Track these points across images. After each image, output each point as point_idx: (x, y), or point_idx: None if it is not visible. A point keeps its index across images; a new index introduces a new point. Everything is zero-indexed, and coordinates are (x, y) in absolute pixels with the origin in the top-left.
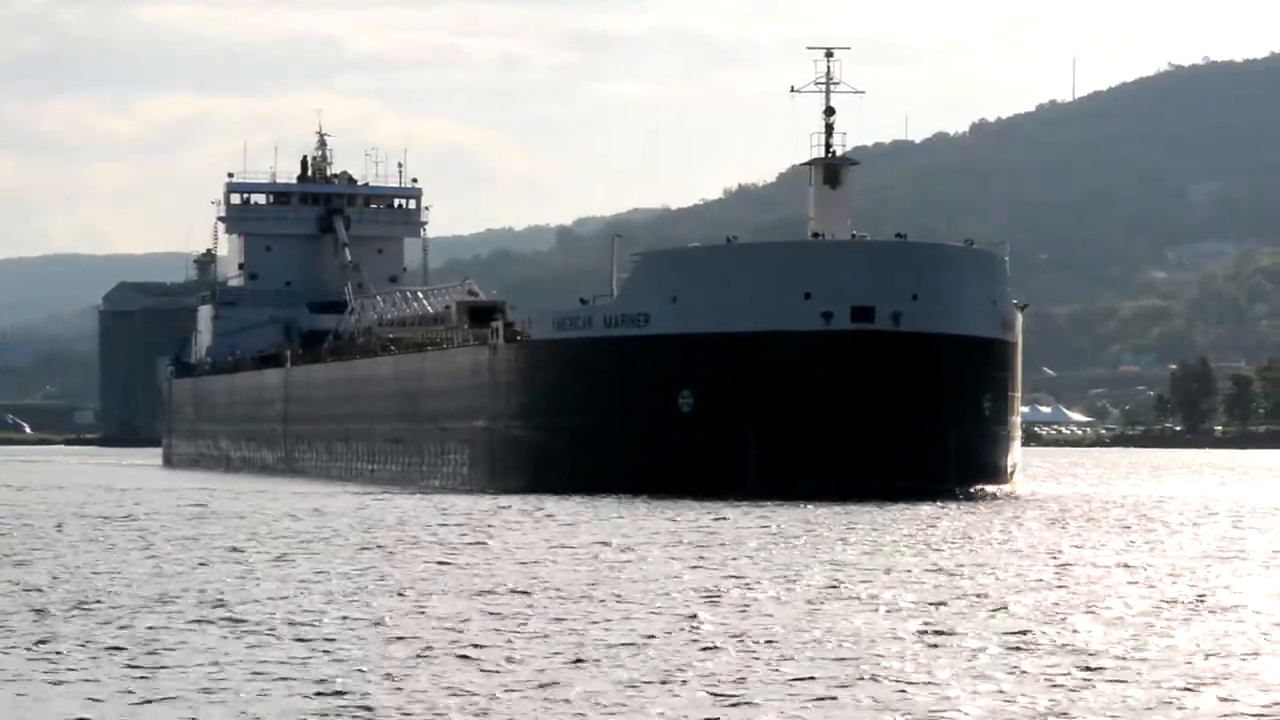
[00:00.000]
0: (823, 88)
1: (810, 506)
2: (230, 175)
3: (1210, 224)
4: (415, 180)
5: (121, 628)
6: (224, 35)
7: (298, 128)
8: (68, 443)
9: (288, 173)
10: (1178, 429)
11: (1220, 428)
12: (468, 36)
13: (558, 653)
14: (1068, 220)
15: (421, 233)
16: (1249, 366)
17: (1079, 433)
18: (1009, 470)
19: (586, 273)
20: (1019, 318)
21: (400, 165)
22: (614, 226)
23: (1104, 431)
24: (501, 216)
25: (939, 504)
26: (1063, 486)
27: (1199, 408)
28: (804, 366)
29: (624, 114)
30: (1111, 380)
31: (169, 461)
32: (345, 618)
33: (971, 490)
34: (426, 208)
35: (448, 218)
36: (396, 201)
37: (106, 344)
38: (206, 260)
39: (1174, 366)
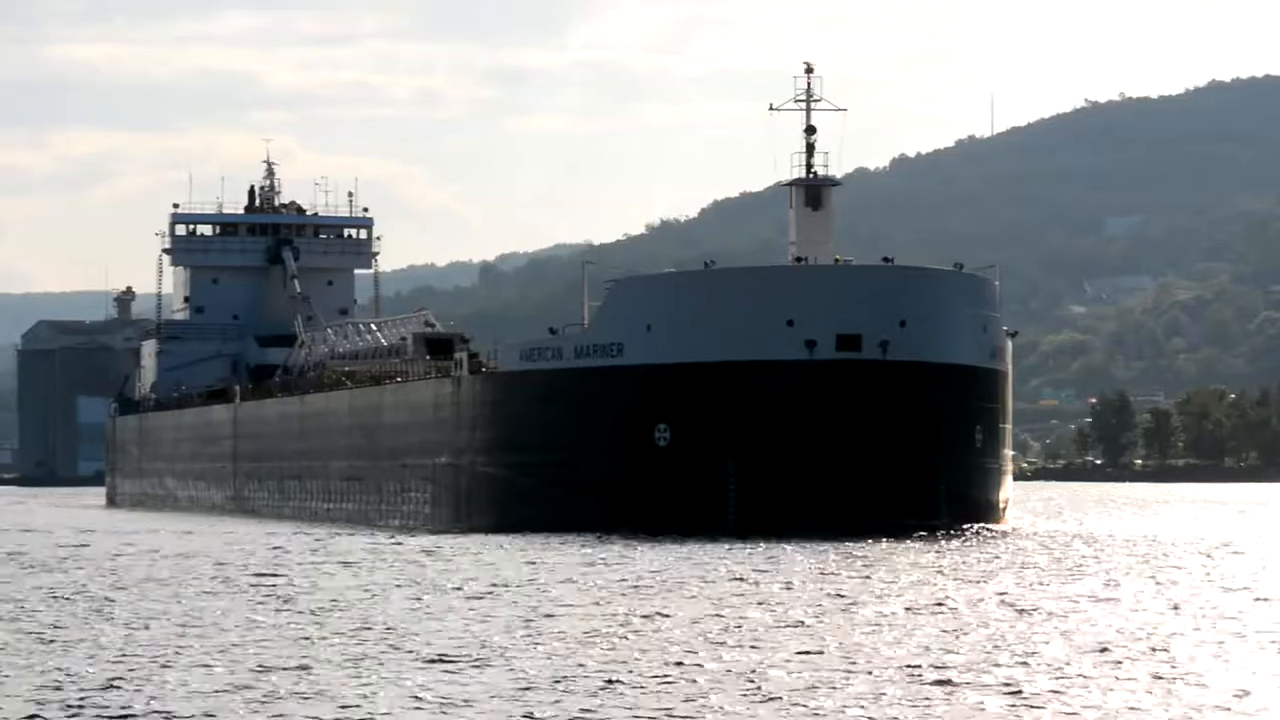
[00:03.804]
0: (803, 105)
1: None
2: (175, 206)
3: (1128, 258)
4: (366, 210)
5: None
6: (139, 72)
7: (214, 164)
8: None
9: (234, 203)
10: (1098, 462)
11: (1140, 461)
12: (384, 74)
13: None
14: (987, 255)
15: (373, 264)
16: (1168, 400)
17: None
18: (1001, 506)
19: (509, 307)
20: (1009, 345)
21: (350, 195)
22: (537, 262)
23: (1025, 465)
24: (423, 253)
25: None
26: (1062, 523)
27: (1119, 441)
28: (787, 398)
29: (544, 149)
30: (1032, 414)
31: (113, 501)
32: None
33: (964, 527)
34: (378, 238)
35: None
36: (347, 232)
37: (25, 383)
38: (127, 298)
39: (1094, 400)
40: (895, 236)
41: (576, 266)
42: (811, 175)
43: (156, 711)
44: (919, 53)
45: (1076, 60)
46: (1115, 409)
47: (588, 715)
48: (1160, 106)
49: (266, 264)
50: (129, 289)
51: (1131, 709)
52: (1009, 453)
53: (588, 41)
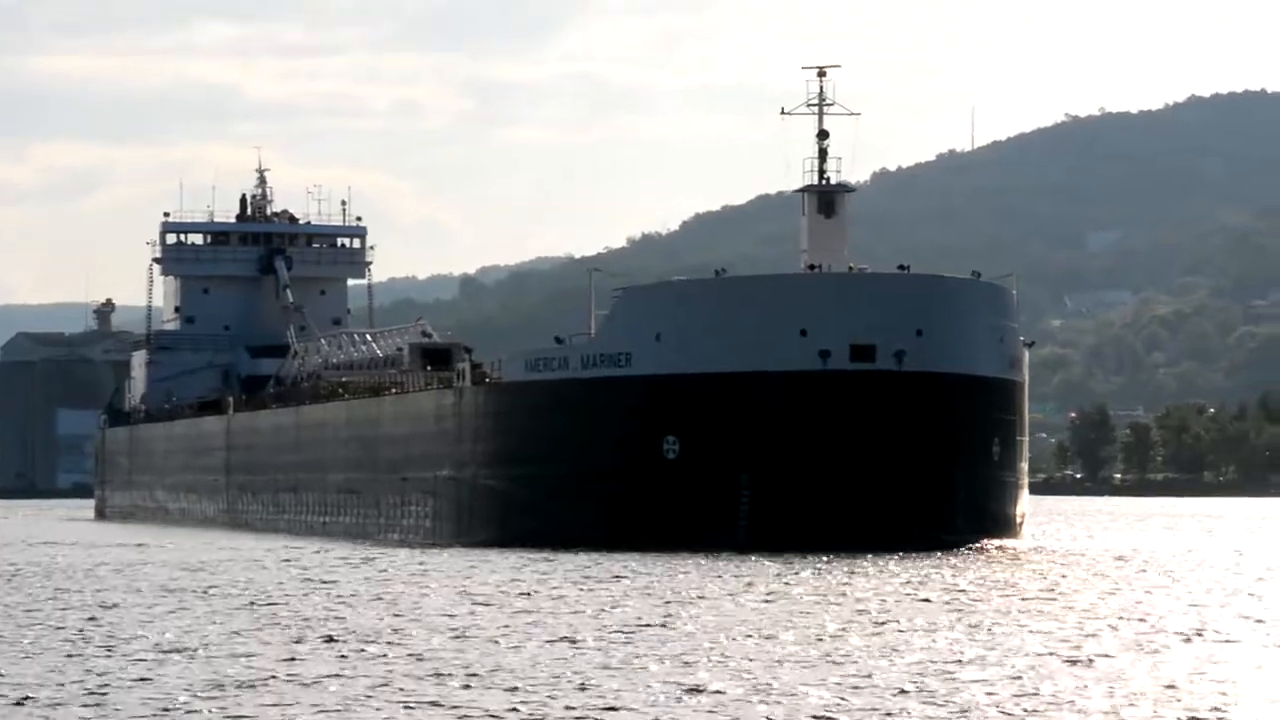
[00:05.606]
0: (815, 109)
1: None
2: (166, 215)
3: (1108, 272)
4: (360, 219)
5: None
6: (120, 84)
7: (200, 176)
8: None
9: (225, 212)
10: (1078, 476)
11: (1119, 475)
12: (366, 85)
13: None
14: (968, 268)
15: (366, 273)
16: (1147, 414)
17: None
18: (1018, 521)
19: (490, 320)
20: (1026, 355)
21: (344, 203)
22: (518, 275)
23: None
24: (403, 265)
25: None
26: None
27: (1098, 455)
28: (800, 409)
29: (525, 161)
30: None
31: (102, 514)
32: None
33: (980, 543)
34: (371, 247)
35: None
36: (340, 241)
37: (4, 395)
38: (106, 310)
39: (1073, 414)
40: (876, 250)
41: (557, 279)
42: (824, 181)
43: None
44: (900, 66)
45: (1057, 74)
46: (1095, 423)
47: None
48: (1140, 121)
49: (258, 273)
50: (109, 301)
51: None
52: (1025, 465)
53: (569, 54)
